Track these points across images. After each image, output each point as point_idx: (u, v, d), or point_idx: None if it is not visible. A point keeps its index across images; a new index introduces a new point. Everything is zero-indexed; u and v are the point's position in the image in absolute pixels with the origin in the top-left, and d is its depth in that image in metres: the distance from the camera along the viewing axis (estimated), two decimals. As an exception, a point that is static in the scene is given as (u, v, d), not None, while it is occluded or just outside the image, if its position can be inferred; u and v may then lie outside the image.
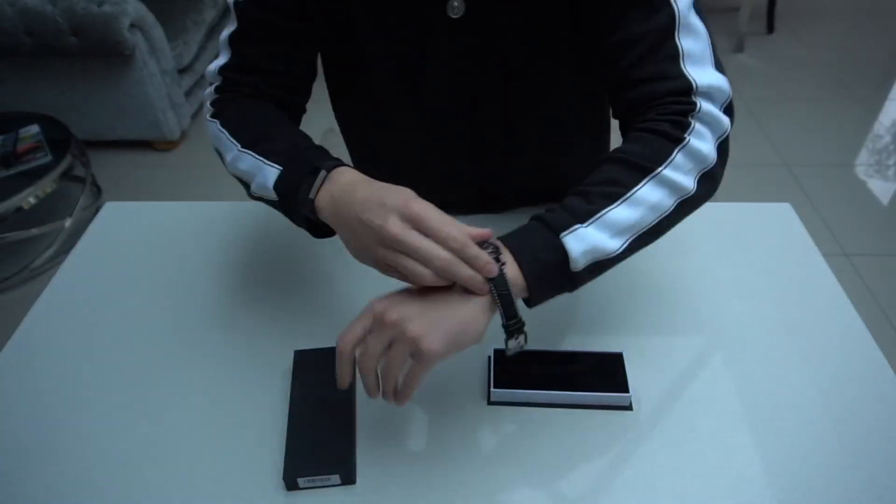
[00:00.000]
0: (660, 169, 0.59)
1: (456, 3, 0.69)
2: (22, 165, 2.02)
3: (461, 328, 0.54)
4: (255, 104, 0.72)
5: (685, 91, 0.61)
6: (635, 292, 0.80)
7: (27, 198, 1.92)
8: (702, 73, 0.62)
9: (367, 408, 0.68)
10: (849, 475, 0.61)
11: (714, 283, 0.81)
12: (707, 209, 0.94)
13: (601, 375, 0.69)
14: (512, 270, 0.55)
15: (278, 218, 0.94)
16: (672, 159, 0.59)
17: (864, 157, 2.44)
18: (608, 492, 0.61)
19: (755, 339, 0.74)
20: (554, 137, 0.85)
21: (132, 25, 2.26)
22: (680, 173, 0.59)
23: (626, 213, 0.58)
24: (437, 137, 0.84)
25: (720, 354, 0.73)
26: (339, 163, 0.63)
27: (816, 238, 0.87)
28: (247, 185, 0.69)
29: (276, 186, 0.64)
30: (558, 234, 0.56)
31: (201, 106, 2.86)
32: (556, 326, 0.76)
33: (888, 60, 3.04)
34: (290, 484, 0.61)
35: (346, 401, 0.67)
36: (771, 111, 2.70)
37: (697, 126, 0.60)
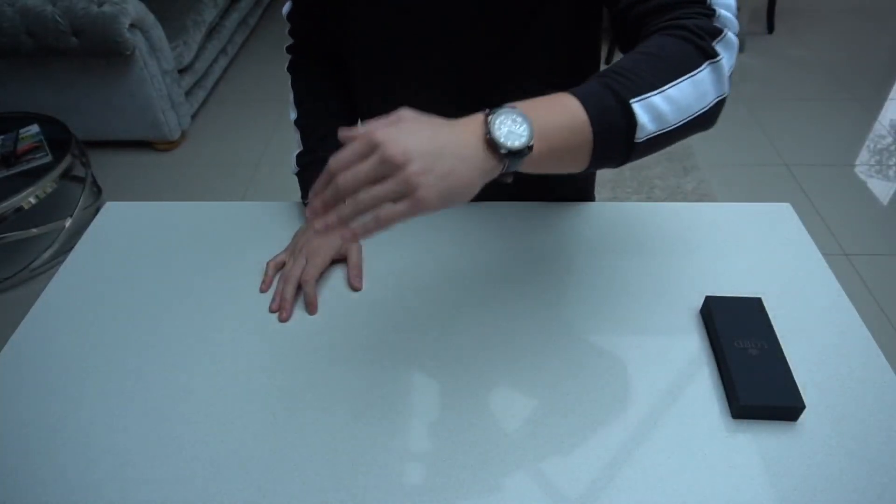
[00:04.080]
0: (712, 60, 0.60)
1: None
2: (22, 165, 2.02)
3: (459, 187, 0.51)
4: (316, 86, 0.92)
5: (702, 1, 0.63)
6: (635, 292, 0.80)
7: (27, 198, 1.92)
8: None
9: (361, 408, 0.69)
10: (849, 475, 0.61)
11: (714, 282, 0.81)
12: (707, 209, 0.94)
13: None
14: (580, 124, 0.55)
15: (278, 218, 0.94)
16: (719, 57, 0.60)
17: (864, 157, 2.44)
18: (608, 492, 0.61)
19: (755, 339, 0.74)
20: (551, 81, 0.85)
21: (132, 25, 2.26)
22: (724, 71, 0.61)
23: (684, 92, 0.58)
24: (433, 92, 0.84)
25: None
26: None
27: (816, 238, 0.87)
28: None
29: (297, 173, 0.92)
30: (628, 100, 0.56)
31: (201, 106, 2.86)
32: (555, 327, 0.77)
33: (888, 60, 3.03)
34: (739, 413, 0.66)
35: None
36: (771, 111, 2.70)
37: (721, 26, 0.62)
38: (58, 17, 2.19)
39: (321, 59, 0.91)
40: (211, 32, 2.83)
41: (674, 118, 0.58)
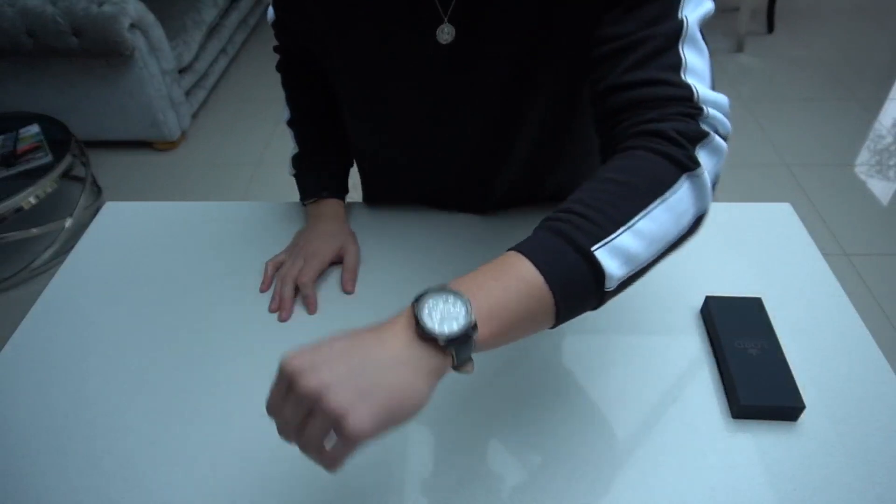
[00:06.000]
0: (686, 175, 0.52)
1: (446, 29, 0.68)
2: (22, 165, 2.02)
3: (399, 400, 0.43)
4: (306, 86, 0.92)
5: (687, 97, 0.54)
6: (635, 292, 0.80)
7: (27, 198, 1.92)
8: (703, 87, 0.56)
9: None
10: (849, 475, 0.61)
11: (714, 282, 0.81)
12: (707, 209, 0.94)
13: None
14: (536, 290, 0.47)
15: (278, 218, 0.94)
16: (698, 171, 0.52)
17: (864, 157, 2.44)
18: (609, 492, 0.61)
19: (755, 339, 0.74)
20: (545, 148, 0.83)
21: (132, 25, 2.26)
22: (705, 180, 0.53)
23: (657, 220, 0.50)
24: (421, 153, 0.84)
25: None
26: (326, 195, 0.90)
27: (816, 238, 0.87)
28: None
29: (294, 175, 0.93)
30: (589, 249, 0.48)
31: (201, 106, 2.86)
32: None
33: (888, 60, 3.04)
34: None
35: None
36: (771, 111, 2.70)
37: (709, 128, 0.54)
38: (58, 17, 2.19)
39: (309, 61, 0.90)
40: (211, 32, 2.83)
41: (647, 253, 0.50)
